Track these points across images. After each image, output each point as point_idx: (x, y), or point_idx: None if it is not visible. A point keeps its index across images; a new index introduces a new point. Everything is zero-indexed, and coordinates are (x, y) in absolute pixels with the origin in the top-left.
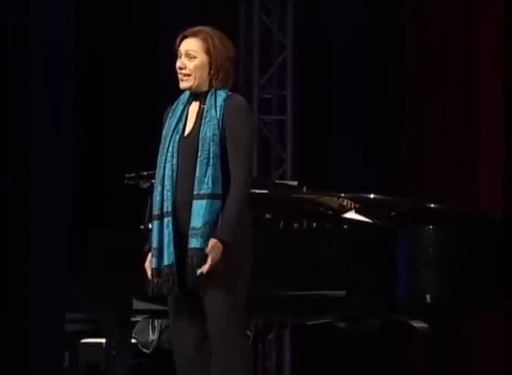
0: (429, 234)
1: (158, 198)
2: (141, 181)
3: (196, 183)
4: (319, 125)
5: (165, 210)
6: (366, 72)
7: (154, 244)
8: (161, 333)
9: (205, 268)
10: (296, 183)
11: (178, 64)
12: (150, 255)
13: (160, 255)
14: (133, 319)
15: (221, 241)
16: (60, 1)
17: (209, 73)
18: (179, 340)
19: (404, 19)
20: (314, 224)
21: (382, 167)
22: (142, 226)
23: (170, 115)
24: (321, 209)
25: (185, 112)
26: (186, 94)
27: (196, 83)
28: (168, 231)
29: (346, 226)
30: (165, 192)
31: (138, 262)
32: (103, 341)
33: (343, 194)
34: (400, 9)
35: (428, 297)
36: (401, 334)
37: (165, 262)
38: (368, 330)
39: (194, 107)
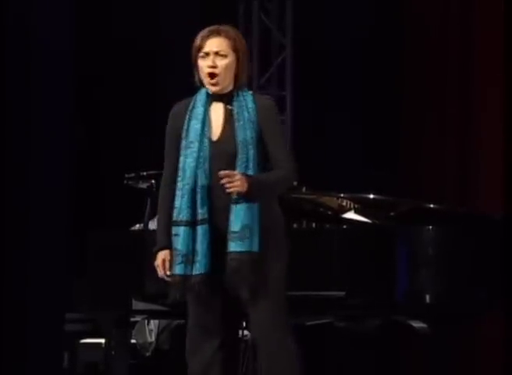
0: (428, 234)
1: (189, 204)
2: (140, 181)
3: None
4: (318, 125)
5: (199, 217)
6: (365, 72)
7: (183, 250)
8: (160, 335)
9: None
10: (295, 183)
11: (209, 63)
12: (162, 254)
13: (188, 262)
14: (132, 319)
15: (250, 182)
16: (60, 1)
17: (234, 71)
18: (199, 340)
19: (403, 19)
20: (314, 224)
21: (381, 167)
22: (140, 226)
23: (188, 117)
24: (321, 209)
25: (207, 114)
26: (203, 94)
27: (225, 84)
28: (203, 239)
29: (345, 227)
30: (199, 200)
31: (137, 262)
32: (102, 341)
33: (342, 195)
34: (400, 9)
35: (427, 297)
36: (401, 334)
37: (197, 270)
38: (368, 331)
39: (217, 108)
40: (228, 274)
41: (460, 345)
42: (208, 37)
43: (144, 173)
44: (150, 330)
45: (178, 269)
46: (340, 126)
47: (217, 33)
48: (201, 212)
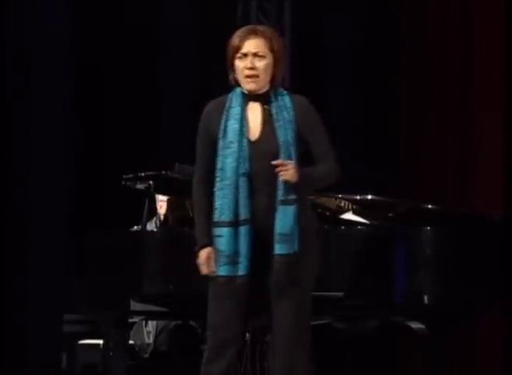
0: (427, 235)
1: (231, 204)
2: (138, 182)
3: (281, 188)
4: None
5: (242, 218)
6: (364, 72)
7: (226, 251)
8: (158, 336)
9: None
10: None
11: (248, 64)
12: (205, 252)
13: (233, 263)
14: (130, 320)
15: (299, 172)
16: (59, 0)
17: (272, 71)
18: (221, 348)
19: (402, 19)
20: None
21: (380, 168)
22: (139, 228)
23: (226, 116)
24: (319, 210)
25: (244, 114)
26: (238, 94)
27: (264, 84)
28: (246, 239)
29: (343, 227)
30: (241, 199)
31: (135, 263)
32: (100, 342)
33: (340, 195)
34: (398, 9)
35: (425, 298)
36: (399, 335)
37: (241, 271)
38: (366, 331)
39: (254, 108)
40: (274, 276)
41: (460, 346)
42: (245, 37)
43: (142, 174)
44: (148, 332)
45: (222, 271)
46: (339, 126)
47: (255, 34)
48: (243, 213)
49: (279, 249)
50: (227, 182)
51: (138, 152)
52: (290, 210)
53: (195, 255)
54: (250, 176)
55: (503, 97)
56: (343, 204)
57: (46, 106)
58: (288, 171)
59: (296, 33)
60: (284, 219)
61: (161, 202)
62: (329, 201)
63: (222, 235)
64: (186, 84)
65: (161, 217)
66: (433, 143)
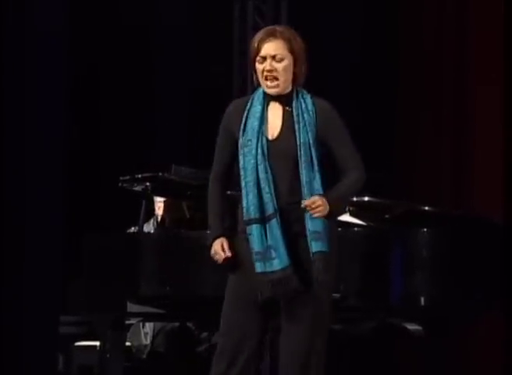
0: (423, 237)
1: (255, 200)
2: (135, 184)
3: (306, 187)
4: None
5: (268, 213)
6: (360, 73)
7: (258, 248)
8: (155, 337)
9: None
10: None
11: (267, 67)
12: (218, 241)
13: (266, 259)
14: (127, 322)
15: (329, 202)
16: (56, 1)
17: (292, 71)
18: (241, 329)
19: (399, 19)
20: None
21: (376, 169)
22: (136, 229)
23: (246, 115)
24: None
25: (264, 113)
26: (260, 94)
27: (285, 85)
28: (277, 233)
29: (340, 229)
30: (265, 195)
31: (132, 264)
32: (97, 343)
33: None
34: (396, 10)
35: (422, 300)
36: (396, 337)
37: (278, 265)
38: (363, 333)
39: (275, 108)
40: (313, 274)
41: (459, 347)
42: (264, 40)
43: (139, 176)
44: (145, 333)
45: (257, 268)
46: None
47: (273, 36)
48: (268, 208)
49: (314, 247)
50: (248, 179)
51: (134, 154)
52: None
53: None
54: (271, 173)
55: (500, 97)
56: None
57: (41, 107)
58: (318, 208)
59: None
60: (313, 217)
61: (160, 203)
62: None
63: (253, 233)
64: (182, 85)
65: (159, 218)
66: (429, 144)
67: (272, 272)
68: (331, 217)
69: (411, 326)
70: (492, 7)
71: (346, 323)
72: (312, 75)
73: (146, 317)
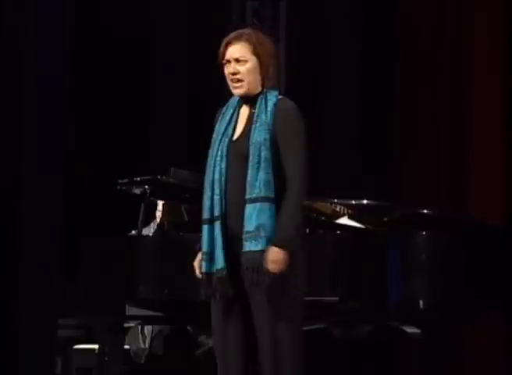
0: (422, 240)
1: (207, 202)
2: (134, 187)
3: (248, 187)
4: (312, 131)
5: (215, 214)
6: (359, 76)
7: (205, 248)
8: (153, 340)
9: (263, 278)
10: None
11: (230, 70)
12: (199, 254)
13: (211, 259)
14: (125, 324)
15: (281, 247)
16: (53, 2)
17: (259, 73)
18: (223, 345)
19: (397, 20)
20: (308, 230)
21: (374, 173)
22: (134, 232)
23: (220, 119)
24: (314, 215)
25: (235, 116)
26: (236, 97)
27: (250, 87)
28: (218, 235)
29: (339, 232)
30: (215, 196)
31: (131, 268)
32: (96, 346)
33: (335, 200)
34: (394, 11)
35: (420, 302)
36: (394, 340)
37: (217, 266)
38: (361, 336)
39: (245, 111)
40: (242, 274)
41: (457, 347)
42: (229, 44)
43: (138, 179)
44: (143, 337)
45: (204, 267)
46: (334, 131)
47: (237, 39)
48: (216, 209)
49: (245, 246)
50: (206, 179)
51: (133, 157)
52: (256, 208)
53: (191, 259)
54: (225, 174)
55: (499, 95)
56: (338, 208)
57: (39, 112)
58: (275, 265)
59: (291, 37)
60: (250, 217)
61: (159, 207)
62: (325, 206)
63: (203, 232)
64: (180, 87)
65: (159, 222)
66: (427, 148)
67: (213, 272)
68: (291, 246)
69: (409, 329)
70: (492, 6)
71: (343, 326)
72: (311, 77)
73: (144, 320)
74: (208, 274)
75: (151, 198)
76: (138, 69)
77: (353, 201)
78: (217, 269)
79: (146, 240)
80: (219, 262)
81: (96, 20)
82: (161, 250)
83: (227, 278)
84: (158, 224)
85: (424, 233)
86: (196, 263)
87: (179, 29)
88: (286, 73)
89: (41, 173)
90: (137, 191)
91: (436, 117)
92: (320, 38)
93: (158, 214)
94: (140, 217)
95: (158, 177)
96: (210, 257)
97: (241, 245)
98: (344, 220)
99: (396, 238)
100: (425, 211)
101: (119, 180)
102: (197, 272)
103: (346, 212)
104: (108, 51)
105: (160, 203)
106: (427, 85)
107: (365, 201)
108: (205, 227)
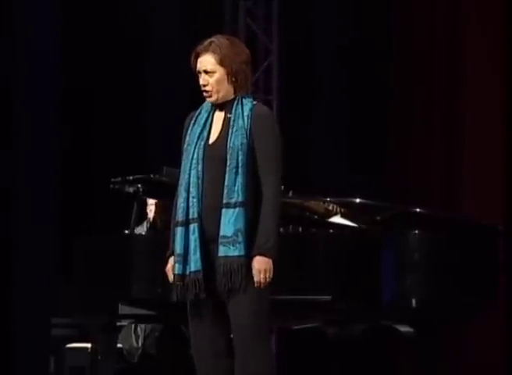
0: (415, 239)
1: (183, 204)
2: (127, 186)
3: (225, 191)
4: (305, 130)
5: (190, 216)
6: (351, 76)
7: (178, 250)
8: (146, 339)
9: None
10: (282, 187)
11: (201, 82)
12: (172, 259)
13: (185, 261)
14: (118, 323)
15: (266, 256)
16: (47, 2)
17: (230, 81)
18: (200, 346)
19: (391, 20)
20: (300, 229)
21: (367, 171)
22: (127, 231)
23: (193, 122)
24: (307, 214)
25: (209, 120)
26: (208, 103)
27: (220, 95)
28: (194, 237)
29: (331, 231)
30: (191, 199)
31: (123, 266)
32: (89, 345)
33: (328, 199)
34: (387, 12)
35: (413, 301)
36: (387, 338)
37: (192, 268)
38: (354, 335)
39: (219, 115)
40: (218, 278)
41: (457, 347)
42: (198, 55)
43: (130, 178)
44: (137, 336)
45: (176, 269)
46: (326, 130)
47: (205, 51)
48: (192, 212)
49: (220, 251)
50: (181, 182)
51: (126, 155)
52: (234, 213)
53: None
54: (202, 177)
55: (495, 96)
56: (331, 207)
57: (33, 110)
58: (264, 276)
59: (284, 37)
60: (227, 222)
61: (151, 206)
62: (317, 205)
63: (177, 234)
64: (173, 87)
65: (151, 221)
66: (420, 147)
67: (190, 273)
68: (275, 254)
69: (403, 328)
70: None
71: (337, 325)
72: (304, 77)
73: (137, 319)
74: (181, 276)
75: (144, 197)
76: (133, 68)
77: (346, 200)
78: (191, 272)
79: (139, 239)
80: (195, 265)
81: (91, 20)
82: (154, 249)
83: (202, 281)
84: (150, 223)
85: (417, 232)
86: (169, 268)
87: (171, 29)
88: (279, 72)
89: (35, 173)
90: (130, 189)
91: (430, 116)
92: (312, 38)
93: (151, 213)
94: (133, 216)
95: (151, 176)
96: (184, 259)
97: (215, 249)
98: (337, 219)
99: (390, 238)
100: (419, 210)
101: (112, 179)
102: (170, 277)
103: (338, 211)
104: (104, 51)
105: (152, 202)
106: (421, 84)
107: (358, 200)
108: (179, 229)
